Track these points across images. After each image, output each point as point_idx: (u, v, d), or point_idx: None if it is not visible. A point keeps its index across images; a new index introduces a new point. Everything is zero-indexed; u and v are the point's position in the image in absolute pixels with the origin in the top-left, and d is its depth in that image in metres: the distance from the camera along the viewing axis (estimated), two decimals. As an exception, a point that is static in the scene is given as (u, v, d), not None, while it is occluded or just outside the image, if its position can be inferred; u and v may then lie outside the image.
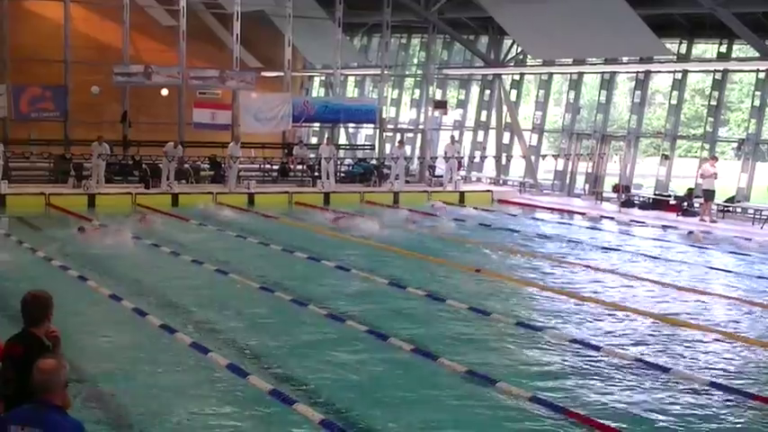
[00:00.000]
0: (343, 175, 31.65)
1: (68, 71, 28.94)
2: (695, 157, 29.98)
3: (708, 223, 24.73)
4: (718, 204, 26.26)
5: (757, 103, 27.16)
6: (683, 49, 29.03)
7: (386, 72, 33.83)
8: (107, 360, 10.16)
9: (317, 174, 30.05)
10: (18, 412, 4.89)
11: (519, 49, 34.10)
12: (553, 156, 32.53)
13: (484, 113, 36.12)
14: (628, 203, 28.33)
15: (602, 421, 8.54)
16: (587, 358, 10.83)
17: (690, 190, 27.71)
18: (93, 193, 25.22)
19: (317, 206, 26.14)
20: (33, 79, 29.37)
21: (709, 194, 25.49)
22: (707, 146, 28.39)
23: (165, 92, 30.79)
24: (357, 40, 40.55)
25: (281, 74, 32.46)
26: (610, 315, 13.29)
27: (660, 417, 8.89)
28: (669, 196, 28.06)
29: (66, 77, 28.91)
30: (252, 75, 32.15)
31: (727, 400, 9.43)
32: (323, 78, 42.74)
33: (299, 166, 31.27)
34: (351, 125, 37.47)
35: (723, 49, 28.05)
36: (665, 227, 24.14)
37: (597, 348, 11.18)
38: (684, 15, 27.96)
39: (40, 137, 29.02)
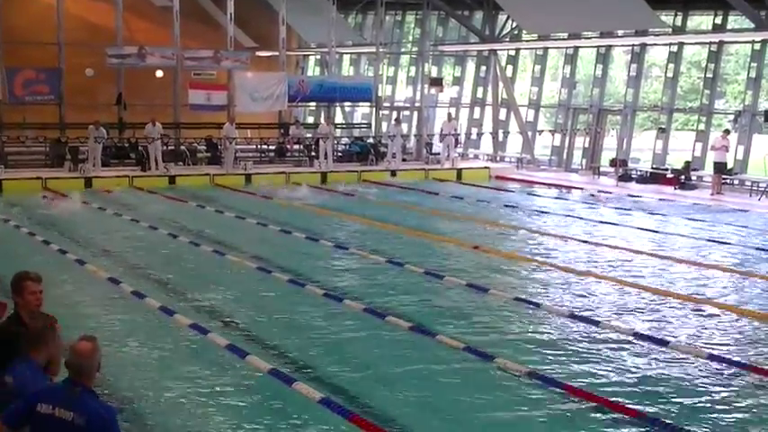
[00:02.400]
0: (340, 154, 31.60)
1: (62, 53, 28.79)
2: (692, 130, 29.93)
3: (714, 195, 24.82)
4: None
5: (753, 74, 27.09)
6: (679, 22, 28.92)
7: (381, 50, 33.71)
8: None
9: (313, 153, 30.02)
10: (48, 391, 4.85)
11: (514, 25, 33.95)
12: (550, 131, 32.52)
13: (480, 90, 36.03)
14: (625, 178, 28.35)
15: (600, 395, 8.59)
16: (585, 332, 10.87)
17: (687, 163, 27.71)
18: (89, 176, 25.19)
19: (315, 186, 26.17)
20: (27, 62, 29.18)
21: (717, 167, 25.55)
22: (703, 118, 28.36)
23: (159, 73, 30.64)
24: (351, 17, 40.35)
25: (276, 53, 32.35)
26: (610, 289, 13.33)
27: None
28: (666, 170, 28.07)
29: (60, 60, 28.77)
30: (247, 54, 32.01)
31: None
32: (318, 57, 42.60)
33: (296, 146, 31.22)
34: (347, 104, 37.38)
35: (718, 20, 27.95)
36: (663, 200, 24.20)
37: (596, 323, 11.21)
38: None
39: (35, 120, 28.89)
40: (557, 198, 24.92)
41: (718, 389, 9.02)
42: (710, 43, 28.29)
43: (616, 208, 22.89)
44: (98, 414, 4.70)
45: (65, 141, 27.57)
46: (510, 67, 34.95)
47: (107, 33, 30.75)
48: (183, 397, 8.52)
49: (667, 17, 28.58)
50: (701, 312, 12.05)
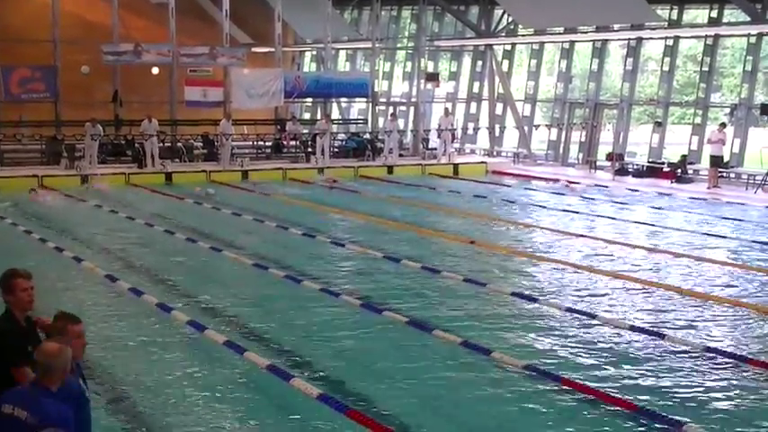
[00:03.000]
0: (336, 149, 31.59)
1: (58, 51, 28.75)
2: (688, 123, 29.95)
3: (710, 189, 24.85)
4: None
5: (749, 67, 27.11)
6: (674, 15, 28.92)
7: (377, 45, 33.69)
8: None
9: (310, 149, 30.01)
10: (14, 392, 4.92)
11: (510, 19, 33.97)
12: (546, 126, 32.49)
13: (476, 85, 36.01)
14: (622, 172, 28.36)
15: (597, 389, 8.62)
16: (582, 326, 10.90)
17: (683, 157, 27.74)
18: (86, 174, 25.17)
19: (311, 181, 26.18)
20: (22, 60, 29.17)
21: (714, 160, 25.58)
22: (700, 112, 28.37)
23: (155, 70, 30.62)
24: (347, 13, 40.33)
25: (272, 49, 32.32)
26: (606, 285, 13.36)
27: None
28: (663, 163, 28.09)
29: (55, 57, 28.73)
30: (242, 51, 32.02)
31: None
32: (314, 53, 42.58)
33: (293, 142, 31.21)
34: (343, 99, 37.38)
35: (714, 14, 27.95)
36: (661, 193, 24.25)
37: (593, 316, 11.24)
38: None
39: (31, 118, 28.87)
40: (554, 192, 24.91)
41: (715, 381, 9.04)
42: (706, 37, 28.27)
43: (583, 197, 23.22)
44: (50, 415, 4.69)
45: (61, 139, 27.55)
46: (506, 62, 34.95)
47: (103, 30, 30.74)
48: (180, 393, 8.53)
49: (663, 11, 28.59)
50: (697, 305, 12.07)
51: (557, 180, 26.85)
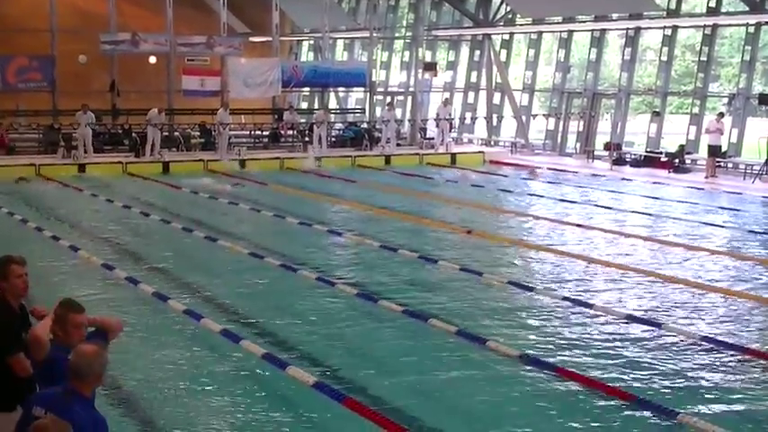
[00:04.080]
0: (334, 139, 31.55)
1: (55, 40, 28.69)
2: (686, 113, 29.93)
3: (707, 179, 24.86)
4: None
5: (747, 57, 27.08)
6: (673, 5, 28.85)
7: (375, 35, 33.63)
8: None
9: (307, 139, 29.99)
10: (45, 394, 4.72)
11: (508, 8, 33.92)
12: (544, 115, 32.48)
13: (474, 74, 35.96)
14: (619, 161, 28.35)
15: (592, 378, 8.63)
16: (578, 315, 10.90)
17: (681, 146, 27.73)
18: (83, 162, 25.14)
19: (308, 171, 26.18)
20: (19, 50, 29.11)
21: (711, 150, 25.58)
22: (698, 102, 28.35)
23: (153, 59, 30.56)
24: (345, 2, 40.28)
25: (270, 39, 32.26)
26: (602, 274, 13.37)
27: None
28: (660, 153, 28.07)
29: (52, 47, 28.66)
30: (240, 40, 31.99)
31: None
32: (312, 42, 42.50)
33: (290, 132, 31.16)
34: (341, 89, 37.31)
35: (712, 3, 27.85)
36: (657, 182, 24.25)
37: (590, 305, 11.25)
38: (673, -30, 27.81)
39: (28, 107, 28.84)
40: (552, 182, 24.90)
41: (711, 371, 9.05)
42: (705, 26, 28.23)
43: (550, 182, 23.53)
44: (84, 423, 4.49)
45: (58, 128, 27.49)
46: (504, 52, 34.89)
47: (100, 20, 30.66)
48: (177, 382, 8.54)
49: (661, 0, 28.53)
50: (693, 294, 12.08)
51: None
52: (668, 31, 29.16)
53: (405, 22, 38.77)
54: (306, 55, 43.53)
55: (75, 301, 5.36)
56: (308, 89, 36.97)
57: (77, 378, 4.56)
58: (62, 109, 28.36)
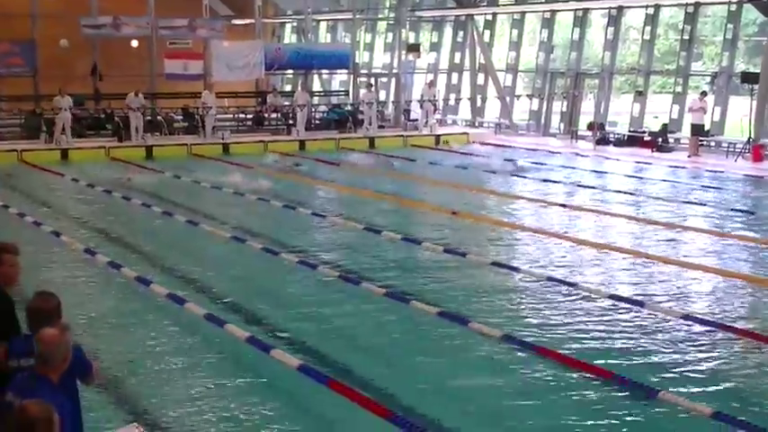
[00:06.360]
0: (318, 121, 31.48)
1: (36, 25, 28.49)
2: (669, 92, 29.99)
3: (690, 157, 24.95)
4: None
5: (729, 36, 27.13)
6: (655, -16, 28.89)
7: (358, 16, 33.53)
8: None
9: (291, 122, 29.92)
10: (18, 380, 4.77)
11: (491, -11, 33.86)
12: (528, 96, 32.49)
13: (457, 55, 35.90)
14: (603, 141, 28.42)
15: (573, 356, 8.69)
16: (564, 296, 10.96)
17: (664, 126, 27.82)
18: (65, 147, 25.01)
19: (292, 154, 26.11)
20: (0, 35, 28.89)
21: (694, 129, 25.67)
22: (680, 81, 28.41)
23: (134, 43, 30.40)
24: (328, -16, 40.09)
25: (253, 21, 32.14)
26: (586, 254, 13.44)
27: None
28: (644, 133, 28.15)
29: (33, 31, 28.46)
30: (222, 23, 31.87)
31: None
32: (294, 25, 42.31)
33: (274, 115, 31.10)
34: (324, 71, 37.21)
35: (695, -18, 27.95)
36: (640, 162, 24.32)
37: (573, 285, 11.30)
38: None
39: (10, 93, 28.64)
40: (535, 162, 24.94)
41: (693, 349, 9.13)
42: (687, 5, 28.24)
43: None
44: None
45: (40, 113, 27.31)
46: (487, 32, 34.83)
47: (81, 4, 30.39)
48: (161, 367, 8.55)
49: (644, -21, 28.56)
50: (676, 273, 12.15)
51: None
52: (651, 10, 29.17)
53: (388, 4, 38.63)
54: (289, 37, 43.31)
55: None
56: (291, 72, 36.86)
57: (44, 364, 4.64)
58: (44, 94, 28.19)
